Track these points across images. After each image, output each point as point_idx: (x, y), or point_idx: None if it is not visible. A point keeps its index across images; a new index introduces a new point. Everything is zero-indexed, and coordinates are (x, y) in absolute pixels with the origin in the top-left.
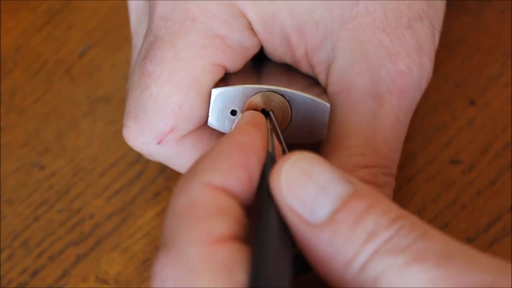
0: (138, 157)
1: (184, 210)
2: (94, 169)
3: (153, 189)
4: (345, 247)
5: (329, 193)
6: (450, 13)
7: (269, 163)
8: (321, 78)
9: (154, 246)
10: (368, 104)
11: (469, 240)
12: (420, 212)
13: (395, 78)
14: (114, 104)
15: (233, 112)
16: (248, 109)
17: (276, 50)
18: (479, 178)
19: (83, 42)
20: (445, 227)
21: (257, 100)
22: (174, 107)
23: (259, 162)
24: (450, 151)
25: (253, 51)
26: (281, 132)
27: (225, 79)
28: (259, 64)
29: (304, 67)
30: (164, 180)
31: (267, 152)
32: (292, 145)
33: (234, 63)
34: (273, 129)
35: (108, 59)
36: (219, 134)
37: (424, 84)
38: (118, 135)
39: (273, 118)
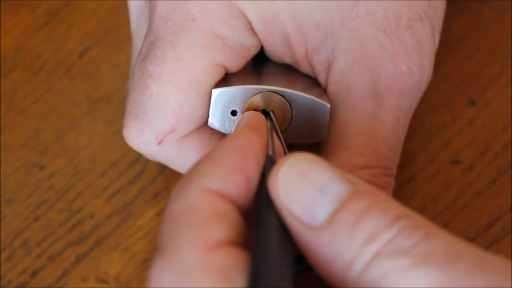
0: (138, 157)
1: (180, 214)
2: (94, 169)
3: (153, 189)
4: (345, 249)
5: (328, 194)
6: (450, 13)
7: (268, 166)
8: (321, 79)
9: (154, 246)
10: (368, 105)
11: (469, 240)
12: (420, 212)
13: (395, 78)
14: (114, 104)
15: (234, 112)
16: (248, 109)
17: (276, 50)
18: (479, 178)
19: (83, 42)
20: (445, 227)
21: (257, 100)
22: (175, 107)
23: (257, 165)
24: (450, 151)
25: (254, 51)
26: (281, 133)
27: (226, 79)
28: (259, 65)
29: (304, 68)
30: (164, 180)
31: (267, 154)
32: (292, 146)
33: (235, 63)
34: (273, 129)
35: (108, 59)
36: (220, 134)
37: (424, 85)
38: (118, 135)
39: (273, 118)
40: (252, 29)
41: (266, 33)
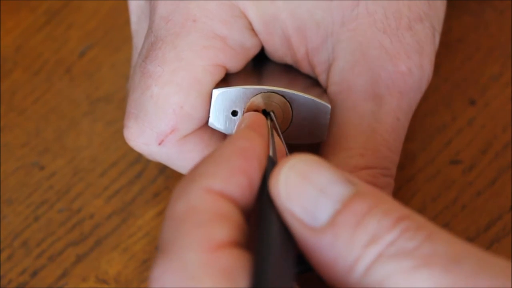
0: (138, 157)
1: (183, 215)
2: (94, 169)
3: (153, 189)
4: (347, 250)
5: (330, 195)
6: (450, 13)
7: (269, 167)
8: (322, 79)
9: (154, 246)
10: (368, 105)
11: (469, 240)
12: (420, 212)
13: (395, 79)
14: (114, 104)
15: (234, 113)
16: (249, 109)
17: (276, 50)
18: (479, 178)
19: (83, 42)
20: (445, 227)
21: (258, 100)
22: (175, 108)
23: (259, 167)
24: (450, 151)
25: (254, 51)
26: (282, 133)
27: (226, 80)
28: (260, 65)
29: (305, 68)
30: (164, 180)
31: (268, 156)
32: (292, 146)
33: (235, 63)
34: (274, 130)
35: (108, 59)
36: (220, 135)
37: (424, 86)
38: (118, 135)
39: (274, 119)
40: (252, 30)
41: (267, 33)
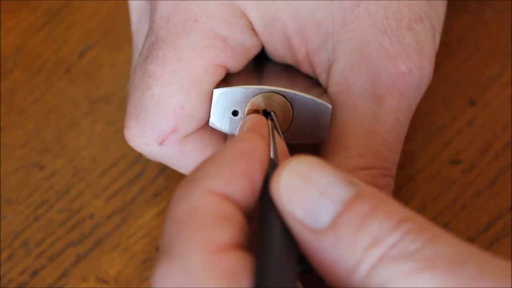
0: (138, 157)
1: (185, 216)
2: (94, 169)
3: (153, 189)
4: (349, 253)
5: (331, 197)
6: (450, 13)
7: (271, 169)
8: (322, 79)
9: (154, 246)
10: (368, 106)
11: (469, 240)
12: (420, 212)
13: (395, 79)
14: (114, 104)
15: (235, 113)
16: (249, 109)
17: (277, 50)
18: (479, 178)
19: (83, 42)
20: (445, 227)
21: (258, 100)
22: (176, 108)
23: (261, 169)
24: (450, 151)
25: (255, 51)
26: (283, 133)
27: (227, 80)
28: (260, 65)
29: (305, 68)
30: (164, 180)
31: (270, 158)
32: (292, 146)
33: (236, 63)
34: (275, 130)
35: (108, 59)
36: (221, 135)
37: (424, 86)
38: (118, 135)
39: (274, 119)
40: (253, 30)
41: (267, 34)
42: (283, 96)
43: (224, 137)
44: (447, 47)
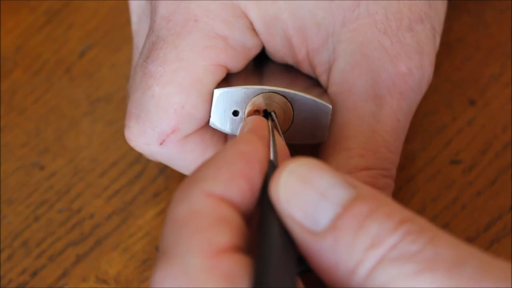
0: (138, 157)
1: (184, 219)
2: (94, 169)
3: (153, 189)
4: (349, 254)
5: (330, 198)
6: (450, 13)
7: (270, 171)
8: (322, 79)
9: (154, 246)
10: (368, 106)
11: (469, 240)
12: (420, 212)
13: (395, 80)
14: (114, 104)
15: (235, 113)
16: (250, 109)
17: (277, 51)
18: (479, 178)
19: (83, 42)
20: (445, 227)
21: (259, 101)
22: (176, 108)
23: (261, 171)
24: (450, 151)
25: (255, 51)
26: (283, 133)
27: (227, 80)
28: (261, 65)
29: (306, 68)
30: (164, 180)
31: (269, 160)
32: (293, 146)
33: (236, 63)
34: (275, 130)
35: (108, 59)
36: (221, 135)
37: (424, 86)
38: (118, 135)
39: (275, 119)
40: (253, 30)
41: (268, 34)
42: (284, 96)
43: (224, 137)
44: (447, 47)
